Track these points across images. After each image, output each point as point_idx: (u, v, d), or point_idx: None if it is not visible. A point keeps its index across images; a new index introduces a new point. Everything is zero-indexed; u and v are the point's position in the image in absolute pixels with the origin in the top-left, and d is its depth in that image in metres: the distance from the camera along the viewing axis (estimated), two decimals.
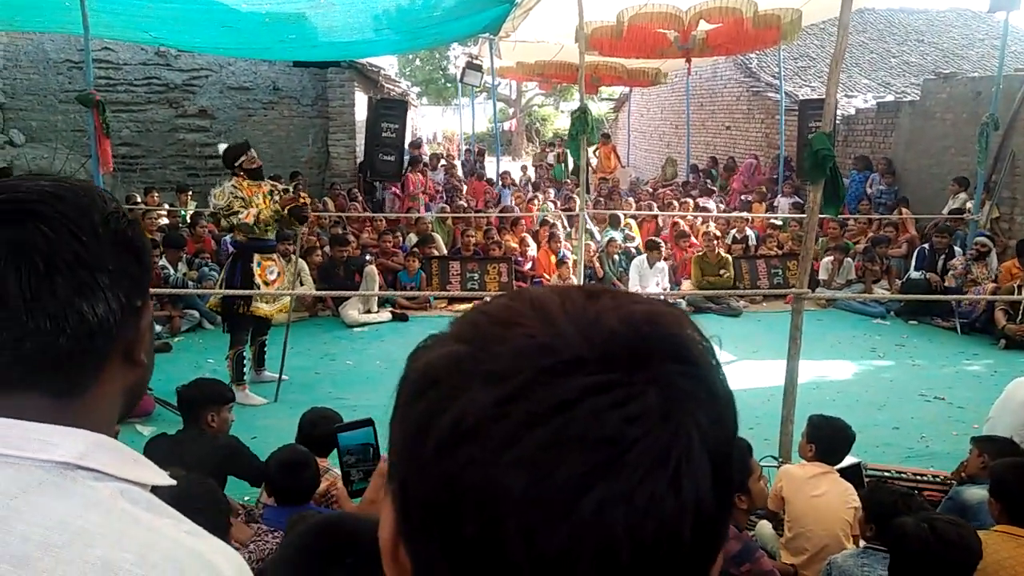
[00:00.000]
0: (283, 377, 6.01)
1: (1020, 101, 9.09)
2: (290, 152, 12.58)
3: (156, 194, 10.31)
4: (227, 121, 12.41)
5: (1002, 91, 8.63)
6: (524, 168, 19.34)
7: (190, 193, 10.98)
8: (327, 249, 8.78)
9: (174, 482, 0.77)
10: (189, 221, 9.76)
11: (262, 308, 5.75)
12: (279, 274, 5.86)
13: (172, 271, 7.85)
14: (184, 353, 7.04)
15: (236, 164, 5.69)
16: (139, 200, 9.92)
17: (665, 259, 9.27)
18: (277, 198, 5.76)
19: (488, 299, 0.51)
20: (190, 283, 7.87)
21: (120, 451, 0.72)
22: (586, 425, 0.41)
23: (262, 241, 5.74)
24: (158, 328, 7.29)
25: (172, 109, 12.29)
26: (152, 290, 4.27)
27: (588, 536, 0.40)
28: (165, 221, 9.69)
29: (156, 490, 0.74)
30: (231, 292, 5.69)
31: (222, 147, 6.09)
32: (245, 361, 5.88)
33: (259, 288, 5.65)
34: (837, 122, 12.49)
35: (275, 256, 5.89)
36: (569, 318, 0.45)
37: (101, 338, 0.72)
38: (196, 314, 7.73)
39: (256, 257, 5.68)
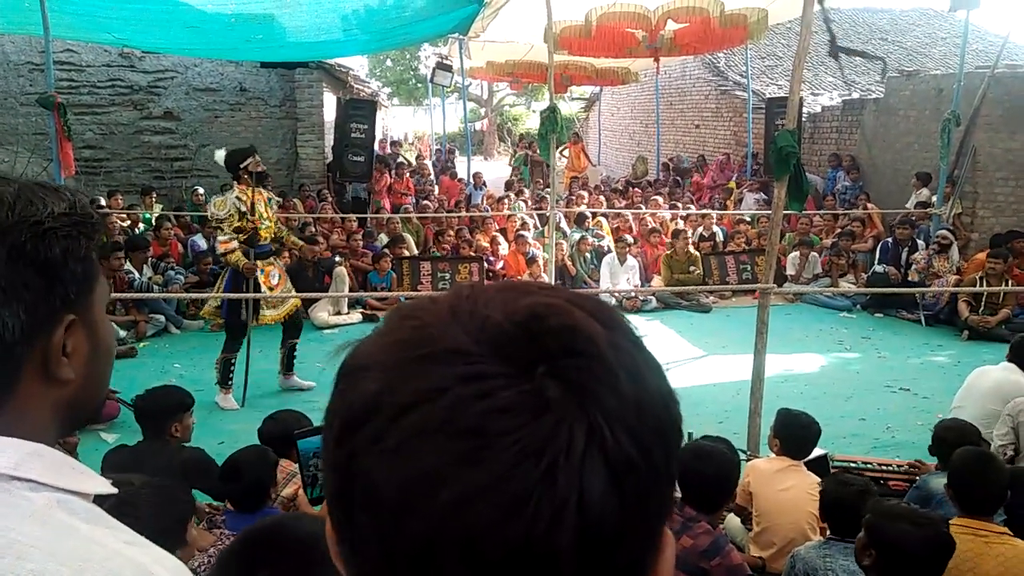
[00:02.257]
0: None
1: (980, 98, 9.26)
2: (258, 154, 12.43)
3: (120, 197, 10.14)
4: (193, 123, 12.25)
5: (963, 88, 8.79)
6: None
7: (155, 195, 10.82)
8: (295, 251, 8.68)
9: (115, 491, 0.74)
10: (154, 224, 9.62)
11: (267, 315, 5.72)
12: (280, 277, 5.81)
13: (137, 275, 7.72)
14: (150, 358, 6.94)
15: (241, 168, 5.53)
16: (103, 203, 9.75)
17: (635, 256, 9.32)
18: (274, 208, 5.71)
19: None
20: (155, 287, 7.75)
21: (58, 460, 0.70)
22: (449, 414, 0.40)
23: (262, 247, 5.64)
24: (123, 333, 7.18)
25: (137, 111, 12.09)
26: (116, 295, 4.17)
27: (451, 530, 0.39)
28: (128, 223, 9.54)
29: (99, 499, 0.73)
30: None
31: (220, 153, 5.94)
32: (233, 367, 5.81)
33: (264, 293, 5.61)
34: (804, 120, 12.64)
35: (274, 260, 5.85)
36: (458, 311, 0.45)
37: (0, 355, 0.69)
38: (162, 318, 7.61)
39: (258, 264, 5.59)
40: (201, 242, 9.26)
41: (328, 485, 0.45)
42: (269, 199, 5.80)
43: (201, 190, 11.09)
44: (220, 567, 1.38)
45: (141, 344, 7.29)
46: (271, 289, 5.67)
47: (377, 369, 0.43)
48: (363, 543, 0.42)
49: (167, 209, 10.60)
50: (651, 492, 0.42)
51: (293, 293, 5.93)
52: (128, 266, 7.69)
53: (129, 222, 9.63)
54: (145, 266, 8.01)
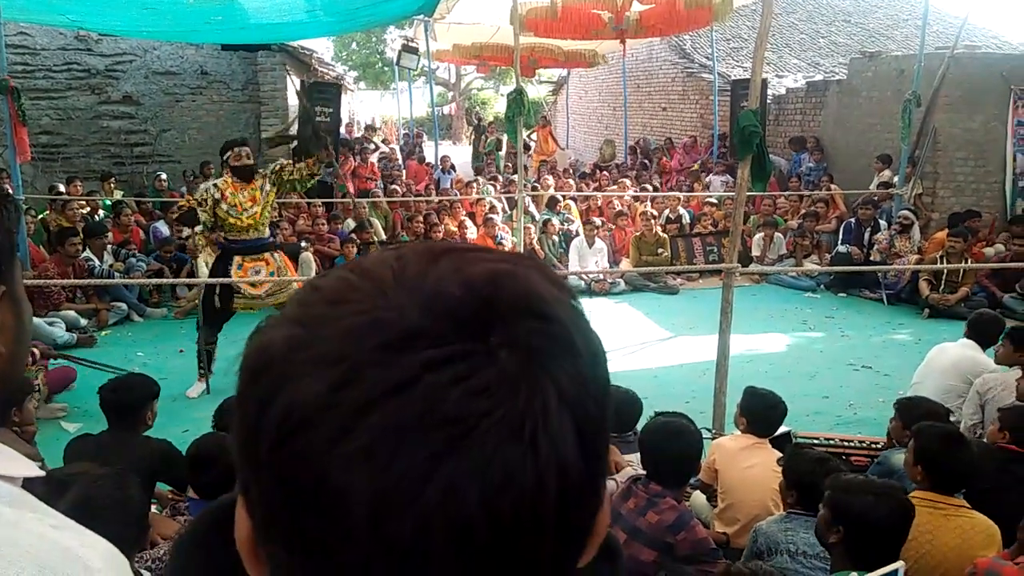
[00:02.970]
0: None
1: (940, 79, 9.40)
2: (220, 138, 12.08)
3: (79, 183, 9.91)
4: (153, 107, 12.00)
5: (924, 69, 8.90)
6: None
7: (114, 181, 10.60)
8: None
9: (43, 473, 0.72)
10: (113, 211, 9.43)
11: (240, 303, 5.59)
12: (271, 274, 5.58)
13: (97, 262, 7.57)
14: (113, 347, 6.81)
15: (223, 159, 5.46)
16: (61, 190, 9.53)
17: (603, 239, 9.35)
18: (269, 188, 5.47)
19: (323, 273, 0.47)
20: (116, 274, 7.60)
21: None
22: (426, 406, 0.38)
23: (244, 242, 5.47)
24: (83, 322, 7.05)
25: (95, 95, 11.80)
26: (76, 282, 4.09)
27: (440, 523, 0.37)
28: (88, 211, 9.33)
29: (29, 483, 0.70)
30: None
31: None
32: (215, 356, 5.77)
33: (240, 291, 5.48)
34: (768, 102, 12.75)
35: (266, 256, 5.60)
36: (403, 287, 0.41)
37: None
38: (124, 307, 7.48)
39: (236, 259, 5.46)
40: (164, 229, 9.10)
41: (253, 489, 0.42)
42: (262, 189, 5.47)
43: (164, 176, 10.89)
44: (190, 541, 1.35)
45: (103, 333, 7.16)
46: (252, 286, 5.51)
47: (322, 366, 0.39)
48: (313, 552, 0.39)
49: (128, 195, 10.39)
50: (604, 445, 0.44)
51: (284, 287, 5.66)
52: (87, 253, 7.54)
53: (88, 209, 9.42)
54: (105, 253, 7.85)
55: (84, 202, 9.40)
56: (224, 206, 5.35)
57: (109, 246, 8.05)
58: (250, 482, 0.42)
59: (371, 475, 0.37)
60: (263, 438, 0.40)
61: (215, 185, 5.41)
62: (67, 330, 6.73)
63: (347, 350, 0.39)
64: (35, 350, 5.10)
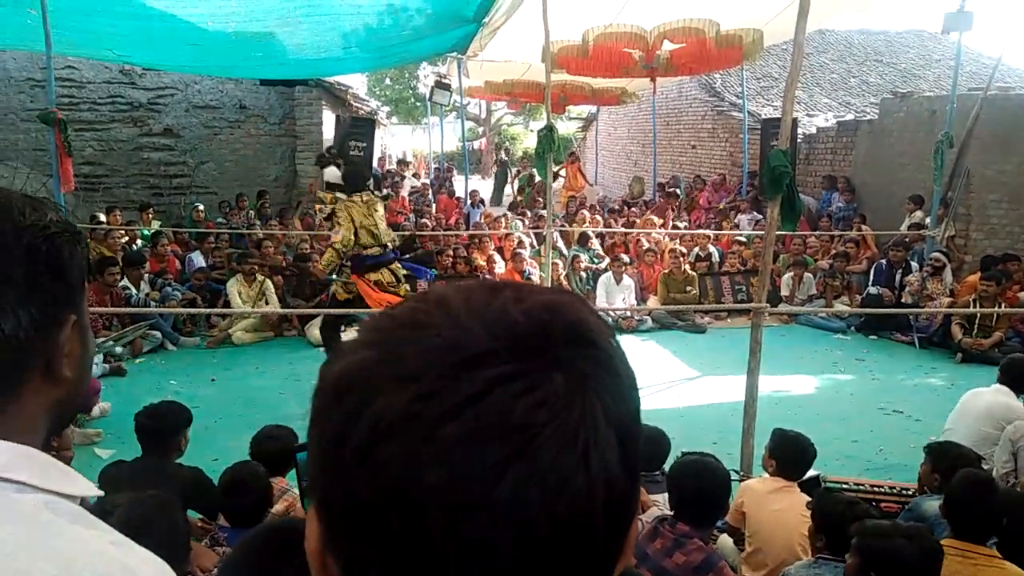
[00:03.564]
0: None
1: (973, 119, 9.35)
2: (257, 170, 12.51)
3: (119, 213, 10.17)
4: (193, 140, 12.32)
5: (956, 110, 8.88)
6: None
7: (152, 212, 10.86)
8: (292, 268, 8.73)
9: (101, 493, 0.77)
10: (151, 240, 9.65)
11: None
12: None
13: (134, 291, 7.74)
14: (146, 375, 6.94)
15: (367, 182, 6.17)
16: (102, 219, 9.78)
17: (631, 276, 9.36)
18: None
19: (393, 305, 0.53)
20: (152, 303, 7.76)
21: (46, 463, 0.72)
22: (496, 415, 0.43)
23: (367, 257, 5.91)
24: (119, 350, 7.18)
25: (136, 128, 12.16)
26: (113, 310, 4.17)
27: (507, 519, 0.42)
28: (127, 240, 9.56)
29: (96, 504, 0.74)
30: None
31: (331, 170, 6.22)
32: None
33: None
34: (799, 140, 12.75)
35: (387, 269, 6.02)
36: (473, 314, 0.47)
37: (11, 353, 0.72)
38: (158, 335, 7.62)
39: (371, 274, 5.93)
40: (199, 259, 9.28)
41: (335, 497, 0.47)
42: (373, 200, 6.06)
43: (201, 207, 11.14)
44: (239, 563, 1.38)
45: (137, 360, 7.29)
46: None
47: (404, 382, 0.45)
48: (395, 550, 0.44)
49: (166, 225, 10.63)
50: (638, 463, 0.49)
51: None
52: (125, 282, 7.71)
53: (127, 238, 9.66)
54: (142, 282, 8.02)
55: (123, 231, 9.64)
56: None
57: (146, 275, 8.23)
58: (330, 490, 0.47)
59: (449, 476, 0.42)
60: (349, 448, 0.45)
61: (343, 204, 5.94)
62: (103, 359, 6.86)
63: (426, 368, 0.45)
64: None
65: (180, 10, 7.00)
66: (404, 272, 6.21)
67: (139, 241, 9.85)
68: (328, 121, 12.61)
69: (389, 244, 6.08)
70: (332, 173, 6.15)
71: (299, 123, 12.32)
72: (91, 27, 7.32)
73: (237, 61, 9.49)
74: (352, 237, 5.81)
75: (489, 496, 0.42)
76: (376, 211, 5.94)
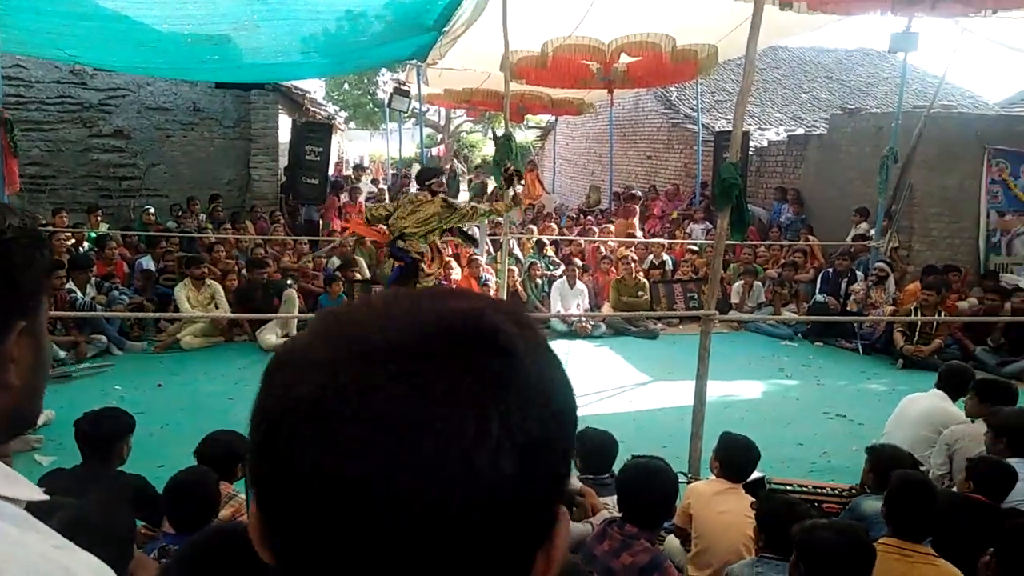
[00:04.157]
0: None
1: (917, 136, 9.67)
2: (210, 174, 12.33)
3: (65, 215, 9.93)
4: (144, 142, 12.10)
5: (901, 126, 9.19)
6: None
7: (100, 214, 10.62)
8: (244, 272, 8.62)
9: (47, 497, 0.76)
10: (97, 243, 9.45)
11: None
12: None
13: (79, 294, 7.56)
14: (91, 380, 6.78)
15: (427, 183, 6.56)
16: (44, 222, 9.55)
17: (585, 282, 9.46)
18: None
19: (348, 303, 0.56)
20: (98, 307, 7.59)
21: None
22: (385, 408, 0.45)
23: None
24: (62, 354, 7.01)
25: (86, 128, 11.90)
26: (58, 313, 4.04)
27: (385, 509, 0.44)
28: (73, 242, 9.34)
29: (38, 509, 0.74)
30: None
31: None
32: None
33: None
34: (751, 153, 13.03)
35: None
36: (392, 315, 0.50)
37: None
38: (104, 339, 7.44)
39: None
40: (148, 263, 9.11)
41: (260, 482, 0.49)
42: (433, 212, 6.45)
43: (152, 209, 10.93)
44: (183, 563, 1.37)
45: (82, 365, 7.11)
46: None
47: (315, 368, 0.47)
48: (300, 533, 0.47)
49: (114, 228, 10.41)
50: (552, 470, 0.49)
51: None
52: (70, 285, 7.53)
53: (73, 241, 9.43)
54: (88, 286, 7.84)
55: (69, 234, 9.42)
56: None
57: (93, 279, 8.05)
58: (252, 467, 0.50)
59: (333, 461, 0.45)
60: (261, 429, 0.48)
61: (410, 202, 6.55)
62: None
63: (335, 358, 0.47)
64: None
65: (135, 11, 6.89)
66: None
67: (86, 244, 9.63)
68: (284, 125, 12.50)
69: (397, 240, 6.52)
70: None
71: (254, 127, 12.19)
72: (42, 26, 7.17)
73: (192, 64, 9.36)
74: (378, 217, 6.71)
75: (368, 487, 0.44)
76: (420, 209, 6.44)
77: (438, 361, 0.47)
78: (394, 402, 0.45)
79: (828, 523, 2.50)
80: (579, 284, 9.29)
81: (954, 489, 3.92)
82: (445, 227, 6.60)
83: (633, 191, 14.02)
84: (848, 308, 8.72)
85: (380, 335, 0.48)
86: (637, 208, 12.52)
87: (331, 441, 0.45)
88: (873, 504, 3.54)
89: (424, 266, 6.40)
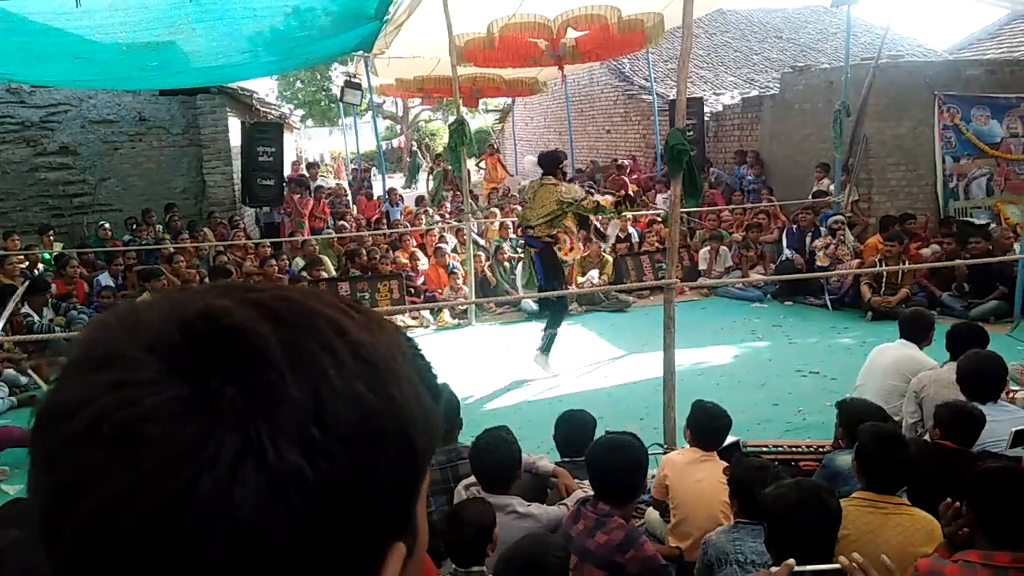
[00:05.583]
0: None
1: (867, 88, 9.72)
2: (162, 183, 12.08)
3: (17, 238, 9.67)
4: (91, 156, 11.81)
5: (851, 80, 9.23)
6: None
7: (53, 234, 10.37)
8: (207, 280, 8.46)
9: None
10: (56, 264, 9.23)
11: None
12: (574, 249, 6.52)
13: (36, 317, 7.37)
14: None
15: (559, 166, 6.62)
16: None
17: None
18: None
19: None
20: (57, 329, 7.41)
21: None
22: (94, 423, 0.39)
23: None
24: (23, 380, 6.86)
25: (30, 147, 11.58)
26: (15, 338, 3.95)
27: (94, 538, 0.39)
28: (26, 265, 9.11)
29: None
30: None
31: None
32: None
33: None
34: (706, 119, 13.05)
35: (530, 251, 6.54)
36: (131, 316, 0.44)
37: None
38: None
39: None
40: (107, 280, 8.91)
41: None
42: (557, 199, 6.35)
43: (108, 225, 10.69)
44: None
45: (46, 387, 6.95)
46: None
47: (59, 377, 0.44)
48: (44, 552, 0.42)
49: (68, 247, 10.17)
50: (337, 505, 0.41)
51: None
52: (26, 308, 7.34)
53: (28, 263, 9.20)
54: (45, 308, 7.64)
55: (23, 256, 9.18)
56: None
57: (50, 300, 7.86)
58: None
59: (50, 481, 0.41)
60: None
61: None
62: (8, 392, 6.56)
63: (68, 365, 0.43)
64: None
65: (64, 23, 6.68)
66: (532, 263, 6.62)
67: (40, 265, 9.39)
68: (234, 128, 12.26)
69: (528, 228, 6.52)
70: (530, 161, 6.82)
71: (204, 132, 11.94)
72: None
73: (131, 72, 9.12)
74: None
75: (76, 509, 0.39)
76: (538, 194, 6.44)
77: (170, 369, 0.40)
78: (106, 416, 0.39)
79: (790, 483, 2.49)
80: None
81: (926, 437, 3.95)
82: (566, 211, 6.36)
83: (620, 162, 13.95)
84: (818, 263, 8.75)
85: (106, 340, 0.43)
86: (627, 180, 12.44)
87: (52, 462, 0.41)
88: (846, 459, 3.55)
89: (560, 249, 6.38)
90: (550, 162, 6.59)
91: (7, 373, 6.77)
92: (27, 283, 6.90)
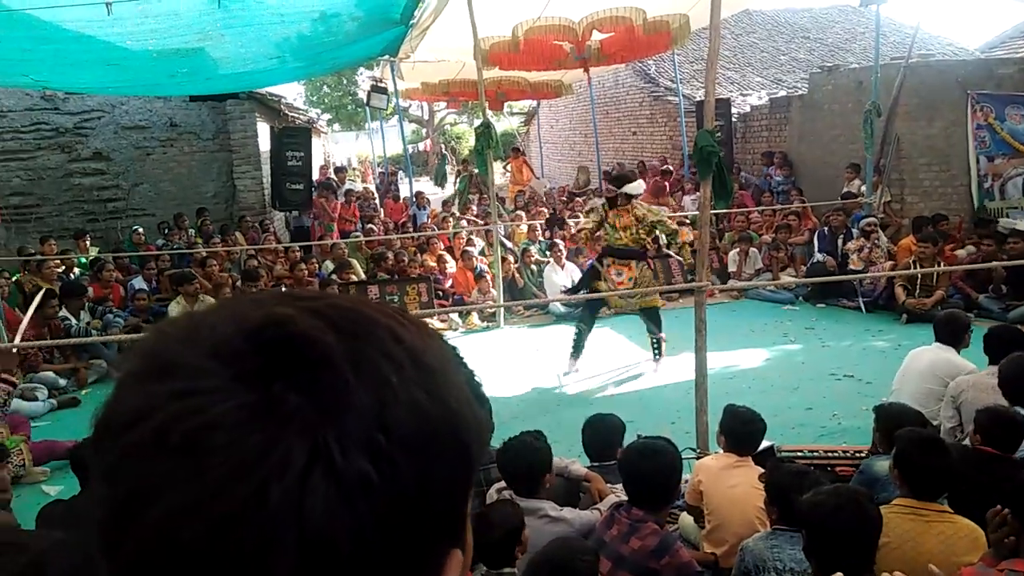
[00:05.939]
0: None
1: (898, 87, 9.58)
2: (193, 189, 12.23)
3: (53, 242, 9.85)
4: (124, 162, 11.99)
5: (881, 79, 9.10)
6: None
7: (89, 238, 10.54)
8: (239, 285, 8.56)
9: None
10: (92, 268, 9.39)
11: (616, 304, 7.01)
12: (626, 276, 6.65)
13: (74, 321, 7.50)
14: (93, 405, 6.65)
15: (620, 191, 6.64)
16: (31, 251, 9.48)
17: (581, 264, 9.38)
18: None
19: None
20: (94, 332, 7.53)
21: None
22: (159, 432, 0.39)
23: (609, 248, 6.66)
24: (62, 382, 6.98)
25: (64, 154, 11.78)
26: (53, 342, 4.02)
27: (158, 549, 0.38)
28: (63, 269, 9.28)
29: None
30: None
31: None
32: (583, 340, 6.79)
33: (607, 282, 6.62)
34: (734, 120, 12.95)
35: (631, 263, 6.63)
36: (196, 325, 0.44)
37: None
38: (103, 364, 7.40)
39: (608, 260, 6.66)
40: (140, 283, 9.04)
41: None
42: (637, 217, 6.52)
43: (141, 229, 10.84)
44: None
45: (83, 392, 7.08)
46: (614, 284, 6.60)
47: (119, 384, 0.43)
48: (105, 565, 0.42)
49: (103, 251, 10.33)
50: (401, 511, 0.41)
51: (647, 289, 6.65)
52: (64, 312, 7.47)
53: (64, 267, 9.37)
54: (82, 311, 7.77)
55: (59, 261, 9.35)
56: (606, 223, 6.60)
57: (87, 304, 7.99)
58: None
59: (111, 492, 0.40)
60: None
61: (602, 207, 6.77)
62: (47, 394, 6.67)
63: (129, 375, 0.43)
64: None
65: (96, 30, 6.78)
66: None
67: (76, 270, 9.56)
68: (263, 133, 12.39)
69: (622, 242, 6.56)
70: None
71: (233, 137, 12.07)
72: (2, 53, 7.06)
73: (162, 79, 9.25)
74: (591, 234, 6.95)
75: (138, 519, 0.38)
76: (627, 212, 6.51)
77: (236, 378, 0.40)
78: (170, 425, 0.39)
79: (829, 490, 2.44)
80: (568, 264, 9.22)
81: (966, 442, 3.87)
82: (651, 230, 6.57)
83: (665, 166, 13.83)
84: (850, 266, 8.63)
85: (170, 349, 0.42)
86: (667, 185, 12.36)
87: (109, 468, 0.41)
88: (884, 465, 3.49)
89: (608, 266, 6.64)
90: (623, 182, 6.70)
91: (46, 375, 6.90)
92: (44, 290, 6.98)
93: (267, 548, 0.37)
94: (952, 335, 4.73)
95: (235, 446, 0.38)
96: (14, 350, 5.51)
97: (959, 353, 4.76)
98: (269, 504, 0.37)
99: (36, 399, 6.53)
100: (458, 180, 16.05)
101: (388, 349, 0.43)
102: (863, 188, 9.68)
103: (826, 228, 9.37)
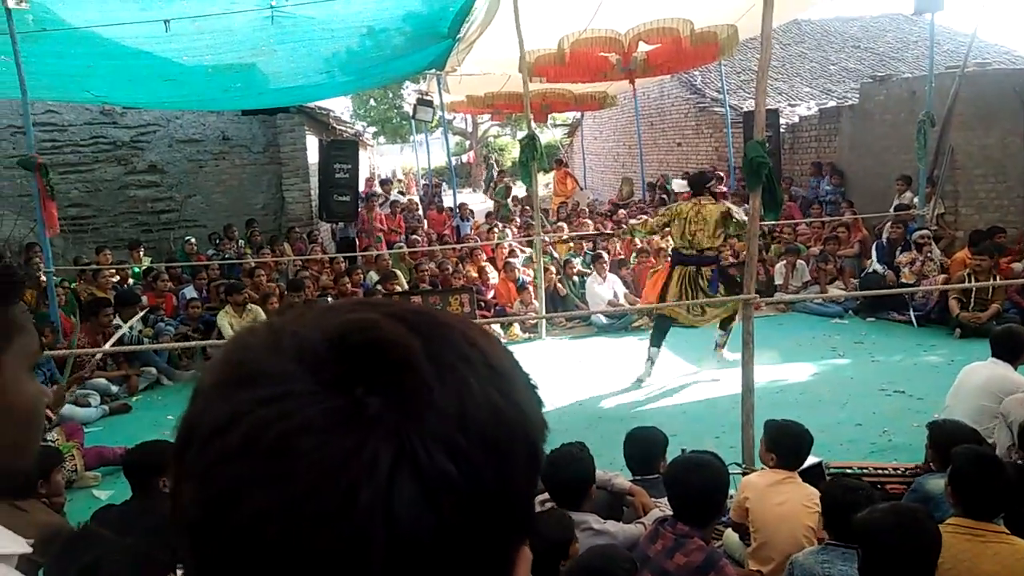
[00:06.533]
0: None
1: (953, 97, 9.36)
2: (243, 200, 12.51)
3: (109, 253, 10.14)
4: (178, 174, 12.32)
5: (935, 89, 8.90)
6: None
7: (143, 249, 10.84)
8: (285, 295, 8.70)
9: (30, 549, 0.74)
10: (145, 277, 9.65)
11: (701, 319, 6.84)
12: (715, 284, 6.59)
13: (126, 329, 7.69)
14: (144, 412, 6.91)
15: (707, 186, 6.73)
16: (86, 261, 9.78)
17: (624, 276, 9.34)
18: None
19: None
20: (145, 340, 7.73)
21: None
22: (249, 437, 0.40)
23: (680, 254, 6.60)
24: (115, 389, 7.17)
25: (121, 166, 12.16)
26: (104, 349, 4.09)
27: (246, 547, 0.39)
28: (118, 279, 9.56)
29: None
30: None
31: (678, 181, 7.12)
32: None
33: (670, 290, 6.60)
34: (782, 131, 12.78)
35: (701, 269, 6.54)
36: (278, 332, 0.45)
37: None
38: (153, 371, 7.59)
39: (679, 267, 6.60)
40: (192, 293, 9.26)
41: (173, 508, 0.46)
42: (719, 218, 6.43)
43: (193, 240, 11.12)
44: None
45: (134, 399, 7.26)
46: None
47: (202, 393, 0.44)
48: (188, 566, 0.43)
49: (157, 261, 10.61)
50: (480, 509, 0.42)
51: (728, 298, 6.44)
52: (117, 320, 7.68)
53: (119, 277, 9.64)
54: (135, 320, 7.97)
55: (114, 270, 9.63)
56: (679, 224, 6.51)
57: (139, 313, 8.20)
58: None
59: (202, 496, 0.41)
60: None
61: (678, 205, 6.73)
62: (100, 401, 6.86)
63: (215, 382, 0.44)
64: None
65: (154, 46, 7.02)
66: (709, 279, 6.59)
67: (131, 279, 9.83)
68: (312, 146, 12.62)
69: (706, 250, 6.49)
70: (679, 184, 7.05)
71: (283, 150, 12.33)
72: (65, 69, 7.34)
73: (216, 93, 9.52)
74: (657, 227, 6.91)
75: (228, 519, 0.40)
76: (702, 215, 6.42)
77: (321, 382, 0.41)
78: (260, 430, 0.40)
79: (886, 507, 2.38)
80: (610, 276, 9.17)
81: (1020, 461, 3.75)
82: (733, 228, 6.56)
83: (716, 172, 13.68)
84: (903, 279, 8.43)
85: (256, 356, 0.43)
86: (727, 191, 12.21)
87: (201, 475, 0.41)
88: (938, 483, 3.39)
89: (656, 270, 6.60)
90: (701, 183, 6.74)
91: (98, 382, 7.09)
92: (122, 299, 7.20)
93: (358, 547, 0.39)
94: (1010, 351, 4.57)
95: (324, 449, 0.39)
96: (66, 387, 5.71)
97: (1016, 370, 4.61)
98: (359, 505, 0.39)
99: (89, 405, 6.72)
100: (495, 192, 16.15)
101: (464, 352, 0.45)
102: (915, 200, 9.47)
103: (884, 240, 9.17)
